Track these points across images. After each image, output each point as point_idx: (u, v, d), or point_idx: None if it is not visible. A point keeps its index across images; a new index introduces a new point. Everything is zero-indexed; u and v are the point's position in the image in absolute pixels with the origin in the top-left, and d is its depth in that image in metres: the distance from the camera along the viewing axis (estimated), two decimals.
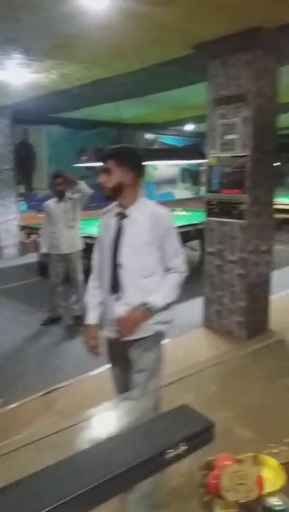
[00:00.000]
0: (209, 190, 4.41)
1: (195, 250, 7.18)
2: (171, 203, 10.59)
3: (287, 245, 8.86)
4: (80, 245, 4.86)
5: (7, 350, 4.24)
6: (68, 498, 0.76)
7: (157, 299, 2.01)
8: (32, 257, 7.69)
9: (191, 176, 13.04)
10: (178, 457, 0.78)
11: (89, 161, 6.76)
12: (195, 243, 7.04)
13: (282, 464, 1.10)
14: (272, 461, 1.10)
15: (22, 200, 9.03)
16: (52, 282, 4.91)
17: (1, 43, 3.97)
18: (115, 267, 2.06)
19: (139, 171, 2.08)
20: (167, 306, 2.07)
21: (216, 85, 4.15)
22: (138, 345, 2.07)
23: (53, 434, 1.22)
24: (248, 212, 4.08)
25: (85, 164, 7.07)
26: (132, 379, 2.08)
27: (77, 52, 4.32)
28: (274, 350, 2.01)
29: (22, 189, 9.13)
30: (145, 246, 2.03)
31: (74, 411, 2.97)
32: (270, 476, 1.05)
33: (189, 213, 8.28)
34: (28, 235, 7.83)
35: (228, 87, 4.04)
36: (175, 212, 8.47)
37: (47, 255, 4.87)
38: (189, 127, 10.50)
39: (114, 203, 2.13)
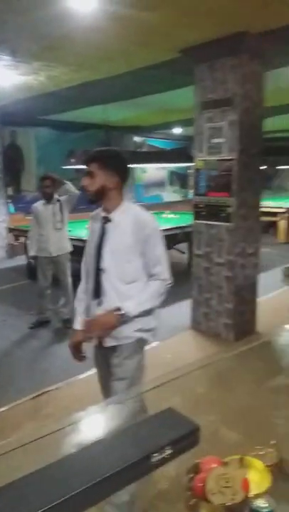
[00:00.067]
0: (197, 193, 4.44)
1: (183, 253, 7.21)
2: (160, 206, 10.63)
3: (273, 248, 8.94)
4: (68, 248, 4.85)
5: None
6: (55, 503, 0.76)
7: (132, 306, 1.96)
8: (20, 260, 7.64)
9: (179, 179, 13.09)
10: (163, 461, 0.79)
11: (77, 163, 6.76)
12: (183, 246, 7.08)
13: (268, 466, 1.11)
14: (258, 464, 1.10)
15: (10, 202, 8.97)
16: (40, 285, 4.88)
17: None
18: (98, 271, 2.04)
19: (123, 175, 2.05)
20: (146, 314, 2.02)
21: (202, 89, 4.18)
22: (119, 352, 2.05)
23: (41, 438, 1.21)
24: (234, 215, 4.11)
25: (74, 166, 7.07)
26: (112, 386, 2.07)
27: (64, 55, 4.31)
28: (261, 353, 2.02)
29: (10, 191, 9.07)
30: (127, 251, 1.99)
31: (63, 414, 2.95)
32: (256, 478, 1.06)
33: (177, 216, 8.31)
34: (17, 237, 7.78)
35: (215, 91, 4.07)
36: (163, 215, 8.50)
37: (35, 258, 4.85)
38: (177, 130, 10.55)
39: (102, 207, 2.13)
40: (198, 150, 4.33)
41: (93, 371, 2.32)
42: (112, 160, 2.03)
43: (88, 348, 2.19)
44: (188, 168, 11.62)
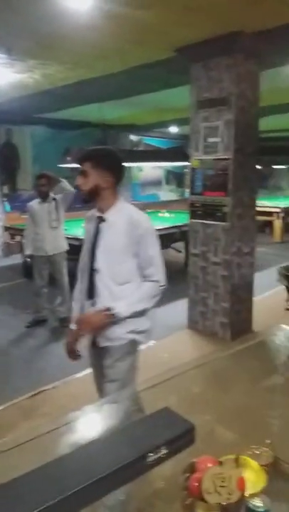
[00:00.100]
0: (193, 193, 4.44)
1: (180, 252, 7.22)
2: (157, 205, 10.63)
3: (269, 247, 8.97)
4: (64, 246, 4.84)
5: None
6: (51, 503, 0.76)
7: (123, 307, 1.94)
8: (16, 259, 7.62)
9: (176, 178, 13.10)
10: (159, 460, 0.79)
11: (73, 161, 6.74)
12: (180, 245, 7.08)
13: (263, 466, 1.11)
14: (253, 463, 1.11)
15: (6, 201, 8.94)
16: (37, 284, 4.88)
17: None
18: (92, 272, 2.03)
19: (117, 174, 2.02)
20: (138, 315, 2.01)
21: (198, 88, 4.18)
22: (111, 353, 2.05)
23: (37, 437, 1.21)
24: (230, 215, 4.12)
25: (69, 165, 7.04)
26: (104, 388, 2.07)
27: (60, 53, 4.30)
28: (256, 352, 2.03)
29: (6, 190, 9.04)
30: (120, 252, 1.97)
31: (59, 413, 2.95)
32: (252, 477, 1.06)
33: (173, 215, 8.32)
34: (13, 236, 7.76)
35: (211, 90, 4.08)
36: (160, 214, 8.50)
37: (31, 257, 4.84)
38: (173, 129, 10.55)
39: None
40: (194, 149, 4.34)
41: (90, 370, 2.32)
42: (106, 159, 2.00)
43: (84, 348, 2.19)
44: (184, 167, 11.63)
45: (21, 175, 9.34)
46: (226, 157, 4.06)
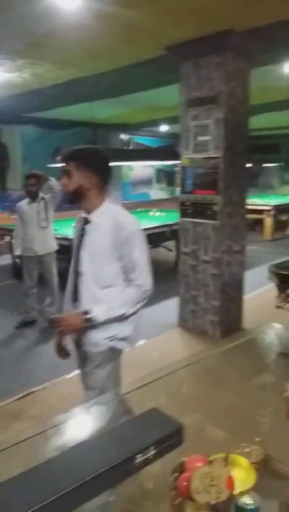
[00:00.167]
0: (183, 191, 4.44)
1: (171, 250, 7.22)
2: (147, 204, 10.63)
3: (259, 245, 9.01)
4: (54, 246, 4.82)
5: None
6: (39, 506, 0.75)
7: (101, 311, 1.88)
8: (6, 259, 7.55)
9: (166, 177, 13.11)
10: (147, 461, 0.79)
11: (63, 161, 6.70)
12: (171, 243, 7.09)
13: (253, 463, 1.11)
14: (243, 461, 1.11)
15: None
16: (26, 284, 4.84)
17: None
18: (76, 274, 1.99)
19: (103, 174, 1.95)
20: (119, 321, 1.94)
21: (188, 87, 4.18)
22: (92, 359, 2.00)
23: (25, 440, 1.20)
24: (221, 213, 4.13)
25: (59, 165, 7.01)
26: (84, 393, 2.03)
27: (49, 52, 4.27)
28: (246, 350, 2.04)
29: None
30: (104, 254, 1.91)
31: (49, 415, 2.94)
32: (241, 475, 1.06)
33: (164, 214, 8.32)
34: (2, 236, 7.69)
35: (200, 89, 4.08)
36: (150, 213, 8.50)
37: (20, 257, 4.81)
38: (164, 128, 10.55)
39: None
40: (184, 148, 4.34)
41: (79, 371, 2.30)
42: (90, 159, 1.94)
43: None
44: (175, 165, 11.65)
45: (11, 174, 9.27)
46: (216, 155, 4.06)
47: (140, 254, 1.93)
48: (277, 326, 2.13)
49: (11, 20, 3.39)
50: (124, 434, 0.86)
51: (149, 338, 4.16)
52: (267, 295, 5.42)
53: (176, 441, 0.85)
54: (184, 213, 4.45)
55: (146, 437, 0.82)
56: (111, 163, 2.06)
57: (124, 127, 10.28)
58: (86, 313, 1.89)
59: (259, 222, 10.27)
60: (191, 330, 4.51)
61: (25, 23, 3.43)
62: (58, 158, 6.94)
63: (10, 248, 6.46)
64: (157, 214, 8.44)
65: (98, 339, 1.96)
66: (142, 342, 4.02)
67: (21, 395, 3.30)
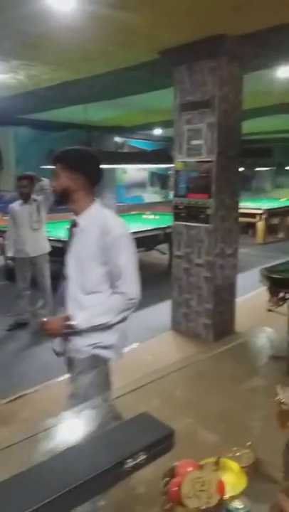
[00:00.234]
0: (176, 195, 4.45)
1: (164, 254, 7.22)
2: (141, 207, 10.64)
3: (251, 248, 9.05)
4: (46, 248, 4.80)
5: None
6: (29, 511, 0.74)
7: (83, 319, 1.84)
8: None
9: (160, 180, 13.13)
10: (138, 466, 0.78)
11: None
12: (164, 247, 7.09)
13: (243, 467, 1.11)
14: (233, 465, 1.11)
15: None
16: (19, 286, 4.81)
17: None
18: (64, 278, 1.96)
19: (91, 176, 1.92)
20: (102, 329, 1.89)
21: (181, 91, 4.20)
22: (76, 365, 1.97)
23: (14, 444, 1.19)
24: (213, 217, 4.14)
25: (53, 166, 6.99)
26: (67, 400, 2.00)
27: (44, 53, 4.26)
28: (238, 353, 2.05)
29: None
30: (89, 259, 1.86)
31: (40, 418, 2.92)
32: (232, 479, 1.06)
33: (157, 217, 8.33)
34: None
35: (194, 93, 4.09)
36: (144, 216, 8.51)
37: (12, 259, 4.78)
38: (158, 131, 10.58)
39: None
40: (177, 151, 4.35)
41: None
42: (77, 160, 1.91)
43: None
44: (168, 169, 11.67)
45: (4, 176, 9.24)
46: (209, 159, 4.08)
47: (127, 260, 1.86)
48: (269, 329, 2.14)
49: (5, 22, 3.38)
50: (114, 439, 0.86)
51: (141, 341, 4.15)
52: (259, 298, 5.44)
53: (166, 446, 0.85)
54: (177, 217, 4.46)
55: (137, 442, 0.82)
56: (100, 165, 2.02)
57: (119, 130, 10.29)
58: (68, 319, 1.87)
59: (251, 226, 10.32)
60: (184, 333, 4.51)
61: (20, 24, 3.42)
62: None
63: (2, 249, 6.43)
64: (151, 217, 8.45)
65: (80, 346, 1.92)
66: (134, 345, 4.02)
67: (13, 397, 3.28)
